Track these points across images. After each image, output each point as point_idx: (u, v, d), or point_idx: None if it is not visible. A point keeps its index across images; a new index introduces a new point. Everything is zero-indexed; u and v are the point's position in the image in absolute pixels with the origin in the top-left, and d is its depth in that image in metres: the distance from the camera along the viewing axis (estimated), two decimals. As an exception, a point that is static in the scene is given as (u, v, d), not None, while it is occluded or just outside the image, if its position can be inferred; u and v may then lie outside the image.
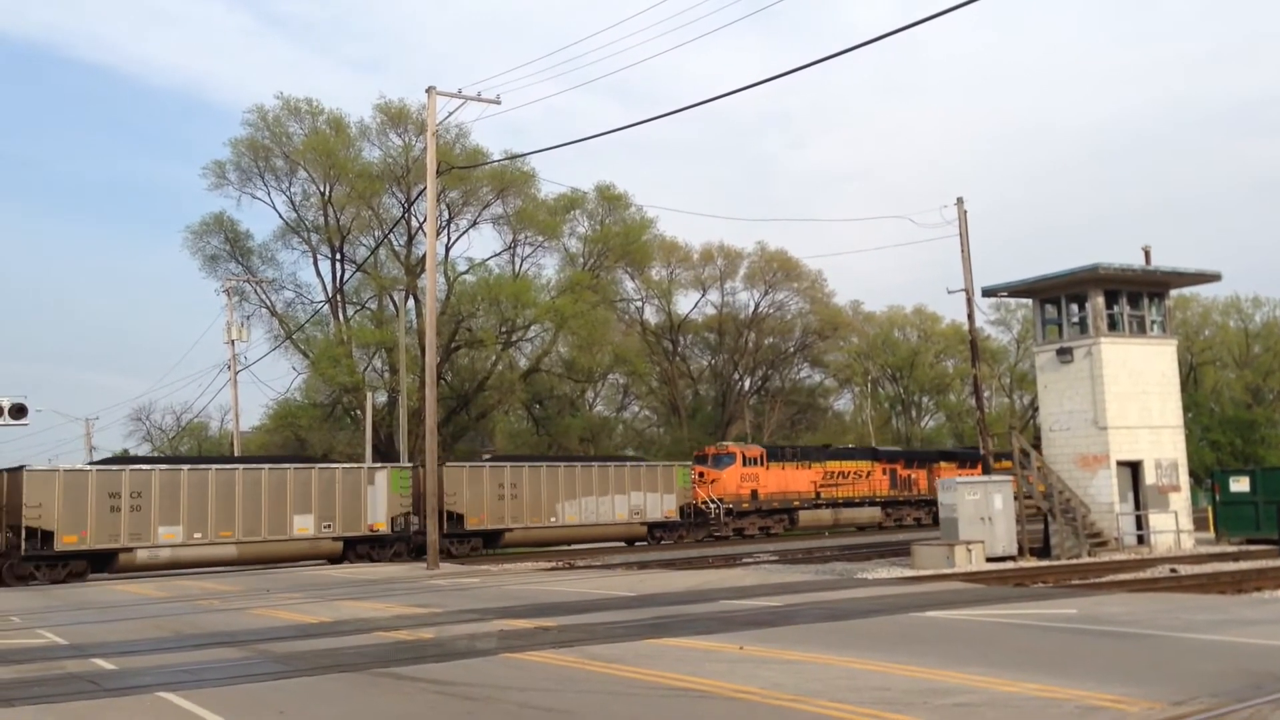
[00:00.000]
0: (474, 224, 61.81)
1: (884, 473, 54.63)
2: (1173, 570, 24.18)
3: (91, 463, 41.07)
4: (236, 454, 50.68)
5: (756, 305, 77.99)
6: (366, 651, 13.92)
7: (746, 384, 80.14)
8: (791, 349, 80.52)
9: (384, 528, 38.60)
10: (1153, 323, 31.37)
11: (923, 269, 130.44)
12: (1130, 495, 30.20)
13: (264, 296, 60.03)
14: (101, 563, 34.17)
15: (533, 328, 62.84)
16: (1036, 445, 31.16)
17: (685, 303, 78.04)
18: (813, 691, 9.81)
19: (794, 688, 10.04)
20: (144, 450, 72.39)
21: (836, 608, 17.44)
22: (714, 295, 78.09)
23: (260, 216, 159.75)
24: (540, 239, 64.23)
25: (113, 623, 19.35)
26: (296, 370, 61.36)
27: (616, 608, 18.71)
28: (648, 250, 69.19)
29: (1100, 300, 30.11)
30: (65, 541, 32.86)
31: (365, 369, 59.36)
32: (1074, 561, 27.04)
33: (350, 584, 27.51)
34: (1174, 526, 30.09)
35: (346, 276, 61.09)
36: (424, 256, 48.02)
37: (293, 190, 59.85)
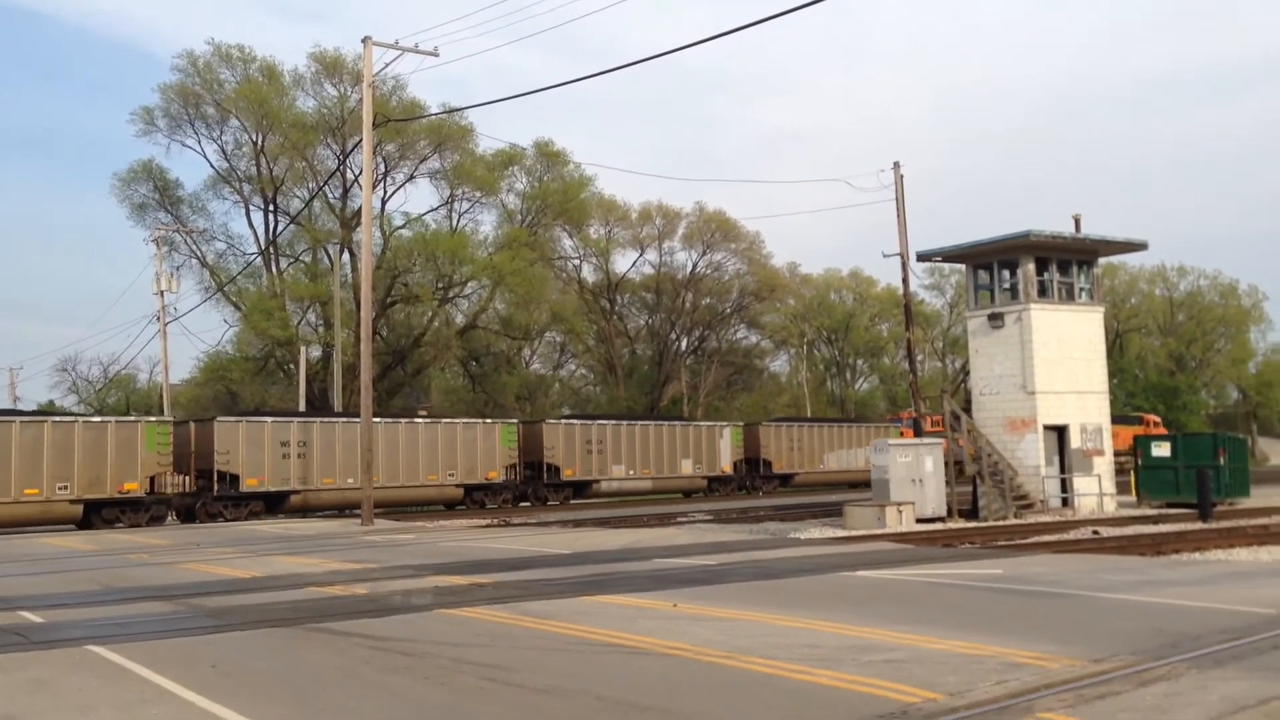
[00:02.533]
0: (411, 178, 61.26)
1: None
2: (1095, 532, 24.78)
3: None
4: (166, 408, 49.89)
5: (694, 265, 78.26)
6: (300, 606, 13.86)
7: (683, 344, 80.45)
8: (728, 310, 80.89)
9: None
10: (1081, 290, 31.95)
11: (861, 232, 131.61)
12: (1056, 459, 30.86)
13: (194, 247, 59.07)
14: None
15: (470, 284, 62.53)
16: (968, 409, 31.68)
17: (623, 262, 78.13)
18: (744, 648, 9.96)
19: (726, 644, 10.18)
20: (69, 402, 71.09)
21: (769, 567, 17.67)
22: (652, 255, 78.25)
23: (191, 165, 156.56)
24: (478, 195, 63.77)
25: (40, 575, 19.07)
26: (228, 323, 60.58)
27: (552, 565, 18.80)
28: (586, 208, 68.97)
29: (1031, 267, 30.59)
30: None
31: (299, 323, 58.71)
32: (1001, 523, 27.61)
33: (283, 539, 27.34)
34: (1097, 490, 30.83)
35: (280, 228, 60.30)
36: (360, 210, 47.43)
37: (224, 139, 58.84)
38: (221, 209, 72.45)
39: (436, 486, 41.47)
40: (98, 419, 36.70)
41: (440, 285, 60.60)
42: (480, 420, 45.27)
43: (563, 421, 47.01)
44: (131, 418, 38.11)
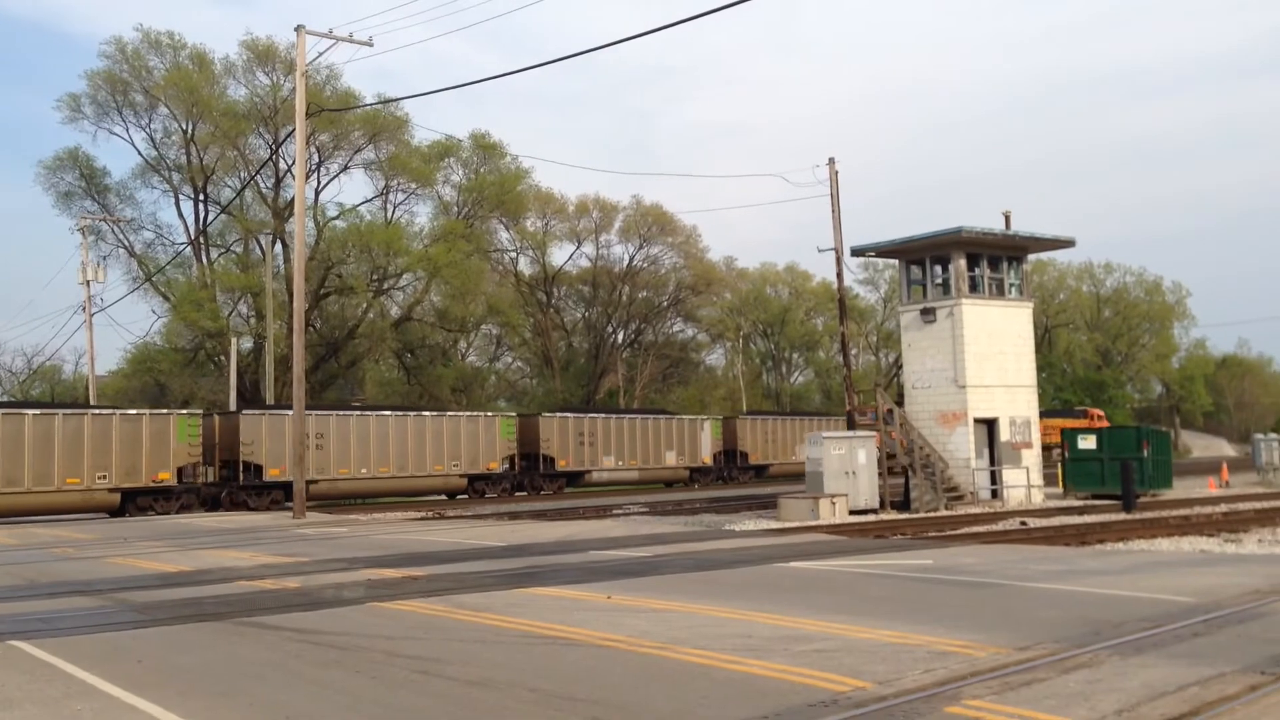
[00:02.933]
0: (345, 168, 60.55)
1: None
2: (1023, 523, 25.20)
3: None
4: (92, 399, 48.91)
5: (631, 259, 78.28)
6: (229, 600, 13.70)
7: (620, 337, 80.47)
8: (665, 303, 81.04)
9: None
10: (1011, 285, 32.46)
11: (798, 227, 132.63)
12: (986, 451, 31.35)
13: (122, 236, 57.93)
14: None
15: (405, 276, 61.98)
16: (901, 402, 32.06)
17: (560, 254, 77.92)
18: (678, 639, 10.01)
19: (660, 635, 10.24)
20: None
21: (703, 558, 17.77)
22: (589, 248, 78.12)
23: (118, 153, 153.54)
24: (413, 186, 63.24)
25: (-41, 572, 18.63)
26: (156, 314, 59.47)
27: (487, 557, 18.75)
28: (523, 201, 68.69)
29: (962, 262, 31.02)
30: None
31: (230, 314, 57.80)
32: (932, 514, 27.99)
33: (214, 533, 26.95)
34: (1025, 482, 31.37)
35: (210, 218, 59.29)
36: (292, 200, 46.81)
37: (153, 127, 57.65)
38: (150, 198, 71.23)
39: (443, 476, 43.37)
40: (134, 412, 37.35)
41: (375, 277, 60.02)
42: (482, 413, 47.35)
43: (557, 415, 48.89)
44: (164, 410, 38.88)
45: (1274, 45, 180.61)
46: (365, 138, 59.03)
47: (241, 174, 57.72)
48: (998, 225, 31.97)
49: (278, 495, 38.97)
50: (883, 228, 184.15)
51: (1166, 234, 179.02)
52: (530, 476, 47.11)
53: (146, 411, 37.29)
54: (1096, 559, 16.98)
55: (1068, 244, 33.87)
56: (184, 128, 56.78)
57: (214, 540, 24.41)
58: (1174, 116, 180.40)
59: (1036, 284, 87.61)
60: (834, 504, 27.55)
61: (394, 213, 63.54)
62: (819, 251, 42.07)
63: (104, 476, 35.03)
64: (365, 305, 61.29)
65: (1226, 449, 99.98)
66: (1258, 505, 29.45)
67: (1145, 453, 32.99)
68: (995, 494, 31.13)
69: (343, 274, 58.79)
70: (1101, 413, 72.81)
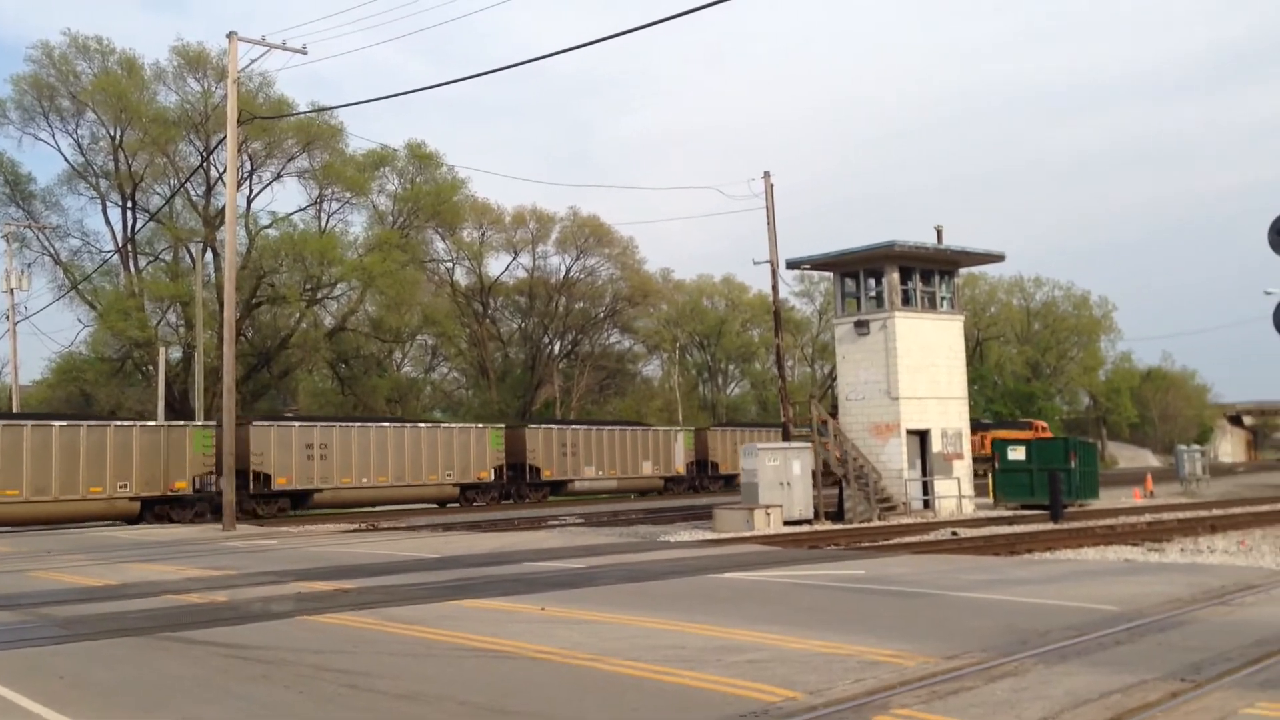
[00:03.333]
0: (278, 177, 59.76)
1: None
2: (954, 533, 25.53)
3: None
4: (15, 409, 47.78)
5: (568, 270, 78.18)
6: (154, 615, 13.44)
7: (556, 348, 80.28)
8: (602, 314, 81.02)
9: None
10: (942, 299, 32.91)
11: (735, 239, 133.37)
12: (918, 462, 31.72)
13: (47, 243, 56.65)
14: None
15: (339, 285, 61.36)
16: (835, 414, 32.33)
17: (496, 265, 77.59)
18: (611, 651, 10.00)
19: (593, 647, 10.21)
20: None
21: (638, 569, 17.77)
22: (525, 259, 77.87)
23: (44, 159, 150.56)
24: (348, 195, 62.59)
25: (-128, 588, 18.08)
26: (83, 323, 58.10)
27: (419, 569, 18.59)
28: (459, 211, 68.34)
29: (896, 276, 31.38)
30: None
31: (159, 323, 56.77)
32: (865, 525, 28.25)
33: (139, 546, 26.43)
34: (957, 492, 31.78)
35: (139, 226, 58.16)
36: (224, 208, 46.13)
37: (80, 133, 56.47)
38: (77, 205, 70.00)
39: (436, 485, 44.89)
40: (152, 424, 39.02)
41: (308, 286, 59.31)
42: (474, 425, 48.80)
43: (543, 426, 50.63)
44: (180, 423, 40.41)
45: (1188, 68, 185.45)
46: (299, 146, 58.35)
47: (171, 181, 56.74)
48: (930, 239, 32.42)
49: (284, 503, 40.42)
50: (819, 240, 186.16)
51: (1094, 248, 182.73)
52: (517, 485, 48.71)
53: (165, 424, 38.93)
54: (1025, 568, 17.24)
55: (998, 258, 34.42)
56: (112, 134, 55.74)
57: (139, 554, 23.94)
58: (1096, 135, 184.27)
59: (968, 297, 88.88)
60: (769, 515, 27.70)
61: (328, 222, 62.90)
62: (754, 264, 42.35)
63: (124, 485, 36.32)
64: (298, 315, 60.54)
65: (1151, 460, 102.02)
66: (1180, 515, 30.10)
67: (1073, 464, 33.56)
68: (927, 504, 31.50)
69: (275, 283, 58.03)
70: (1045, 424, 74.17)
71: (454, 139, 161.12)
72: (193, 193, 57.92)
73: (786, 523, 28.26)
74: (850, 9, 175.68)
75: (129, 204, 57.22)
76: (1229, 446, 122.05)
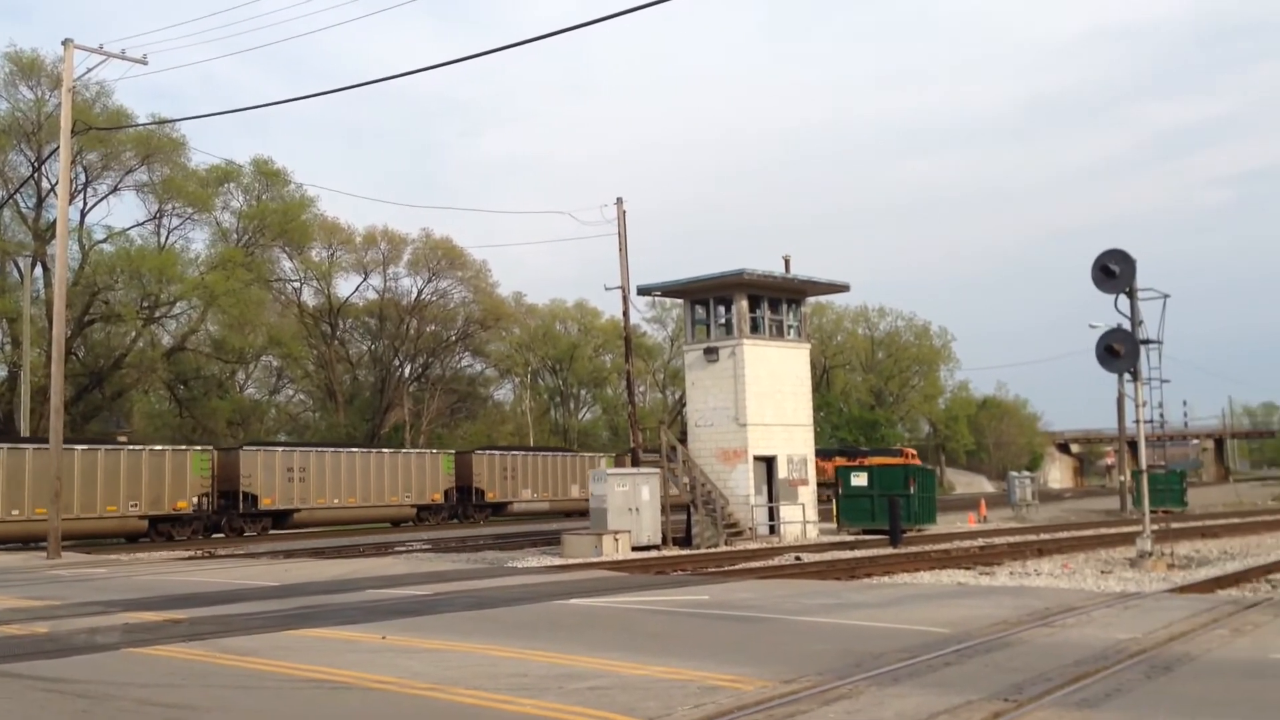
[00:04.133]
0: (115, 190, 57.51)
1: None
2: (798, 558, 25.98)
3: None
4: None
5: (419, 292, 77.27)
6: (-33, 650, 12.69)
7: (407, 371, 79.13)
8: (453, 337, 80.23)
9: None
10: (790, 327, 33.60)
11: (588, 264, 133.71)
12: (765, 488, 32.23)
13: None
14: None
15: (179, 304, 59.31)
16: (684, 440, 32.64)
17: (346, 286, 76.19)
18: (452, 680, 9.86)
19: (434, 676, 10.06)
20: None
21: (483, 596, 17.59)
22: (376, 280, 76.67)
23: None
24: (190, 211, 60.64)
25: None
26: (-100, 337, 54.84)
27: (258, 598, 18.05)
28: (307, 230, 66.92)
29: (745, 304, 31.92)
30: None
31: (-18, 340, 53.95)
32: (712, 550, 28.55)
33: (-47, 576, 24.97)
34: (802, 517, 32.40)
35: (-39, 237, 55.18)
36: (55, 221, 44.18)
37: (-101, 138, 53.41)
38: (-105, 213, 65.84)
39: (397, 506, 48.12)
40: (159, 447, 41.59)
41: (146, 304, 57.15)
42: (429, 450, 52.61)
43: (487, 452, 54.09)
44: (183, 447, 42.86)
45: (1012, 116, 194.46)
46: (138, 159, 56.33)
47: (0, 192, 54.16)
48: (779, 269, 33.07)
49: (267, 522, 43.67)
50: (674, 267, 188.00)
51: (935, 281, 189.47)
52: (464, 507, 51.71)
53: (169, 448, 41.58)
54: (863, 592, 17.66)
55: (843, 288, 35.35)
56: (-65, 140, 52.90)
57: (-46, 584, 22.62)
58: (935, 173, 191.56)
59: (816, 326, 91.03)
60: (617, 540, 27.76)
61: (168, 238, 60.80)
62: (606, 290, 42.48)
63: (135, 505, 38.99)
64: (135, 334, 58.29)
65: (986, 485, 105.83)
66: (1011, 539, 31.29)
67: (912, 490, 34.58)
68: (773, 530, 32.01)
69: (110, 300, 55.77)
70: (914, 451, 76.31)
71: (303, 157, 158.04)
72: (22, 204, 55.38)
73: (635, 548, 28.36)
74: (702, 46, 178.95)
75: (-48, 214, 54.28)
76: (1058, 473, 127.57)
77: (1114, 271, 22.76)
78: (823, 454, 65.37)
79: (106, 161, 55.52)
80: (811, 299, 36.89)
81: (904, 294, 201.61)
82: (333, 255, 74.32)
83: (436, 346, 79.31)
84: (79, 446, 38.17)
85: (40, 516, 34.50)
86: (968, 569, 22.88)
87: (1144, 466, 24.45)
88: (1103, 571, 21.59)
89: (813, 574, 21.99)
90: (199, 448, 42.85)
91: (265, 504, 42.90)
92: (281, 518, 43.98)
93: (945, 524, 38.39)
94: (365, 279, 76.23)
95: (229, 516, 42.33)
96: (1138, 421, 23.46)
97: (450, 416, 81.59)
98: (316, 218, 67.86)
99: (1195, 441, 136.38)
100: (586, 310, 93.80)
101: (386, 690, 9.48)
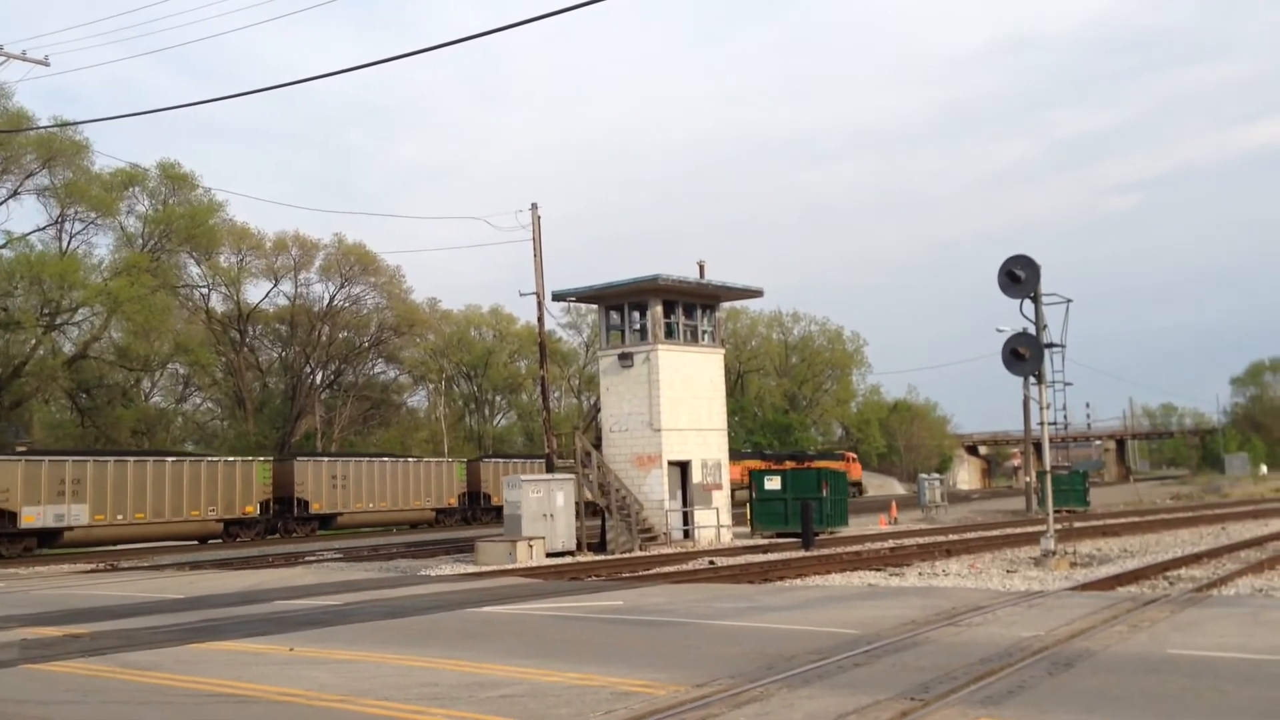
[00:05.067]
0: (14, 194, 55.94)
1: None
2: (711, 563, 26.12)
3: None
4: None
5: (331, 298, 76.24)
6: None
7: (319, 378, 77.97)
8: (366, 344, 79.28)
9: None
10: (704, 332, 33.78)
11: (502, 269, 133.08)
12: (680, 493, 32.34)
13: None
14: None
15: (81, 310, 57.79)
16: (599, 445, 32.62)
17: (256, 292, 74.84)
18: (361, 691, 9.75)
19: (343, 688, 9.93)
20: None
21: (395, 605, 17.41)
22: (287, 286, 75.41)
23: None
24: (93, 215, 59.19)
25: None
26: None
27: (162, 611, 17.65)
28: (215, 235, 65.64)
29: (659, 309, 32.02)
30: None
31: None
32: (627, 555, 28.57)
33: None
34: (715, 522, 32.57)
35: None
36: (-49, 225, 42.84)
37: None
38: None
39: (419, 510, 52.13)
40: (231, 458, 45.57)
41: (46, 311, 55.61)
42: (445, 459, 57.41)
43: (493, 460, 58.57)
44: (249, 458, 46.46)
45: (925, 123, 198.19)
46: (39, 162, 54.85)
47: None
48: (693, 274, 33.21)
49: (314, 525, 47.91)
50: (589, 272, 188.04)
51: (848, 286, 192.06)
52: (474, 510, 55.29)
53: (238, 459, 45.34)
54: (776, 595, 17.82)
55: (756, 294, 35.63)
56: None
57: None
58: (845, 180, 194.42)
59: (730, 331, 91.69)
60: (531, 547, 27.66)
61: (70, 243, 59.28)
62: (521, 295, 42.25)
63: (213, 509, 42.91)
64: (34, 341, 56.65)
65: (897, 488, 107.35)
66: (920, 540, 31.78)
67: (825, 493, 34.96)
68: (688, 534, 32.13)
69: (9, 307, 54.18)
70: (855, 455, 77.05)
71: (212, 161, 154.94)
72: (-85, 207, 53.52)
73: (549, 554, 28.27)
74: (619, 55, 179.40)
75: None
76: (966, 474, 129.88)
77: (1019, 277, 23.28)
78: (774, 459, 66.24)
79: (6, 165, 54.03)
80: (726, 304, 37.11)
81: (818, 299, 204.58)
82: (242, 261, 72.97)
83: (349, 353, 78.31)
84: (169, 459, 42.63)
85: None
86: (878, 570, 23.21)
87: (1048, 467, 25.06)
88: (1008, 571, 22.06)
89: (726, 578, 22.11)
90: (262, 458, 46.93)
91: (315, 508, 47.21)
92: (327, 521, 48.40)
93: (857, 526, 38.89)
94: (276, 285, 75.06)
95: (284, 520, 46.81)
96: (1042, 423, 24.05)
97: (363, 424, 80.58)
98: (225, 223, 66.65)
99: (1098, 442, 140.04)
100: (502, 316, 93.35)
101: (294, 703, 9.35)
